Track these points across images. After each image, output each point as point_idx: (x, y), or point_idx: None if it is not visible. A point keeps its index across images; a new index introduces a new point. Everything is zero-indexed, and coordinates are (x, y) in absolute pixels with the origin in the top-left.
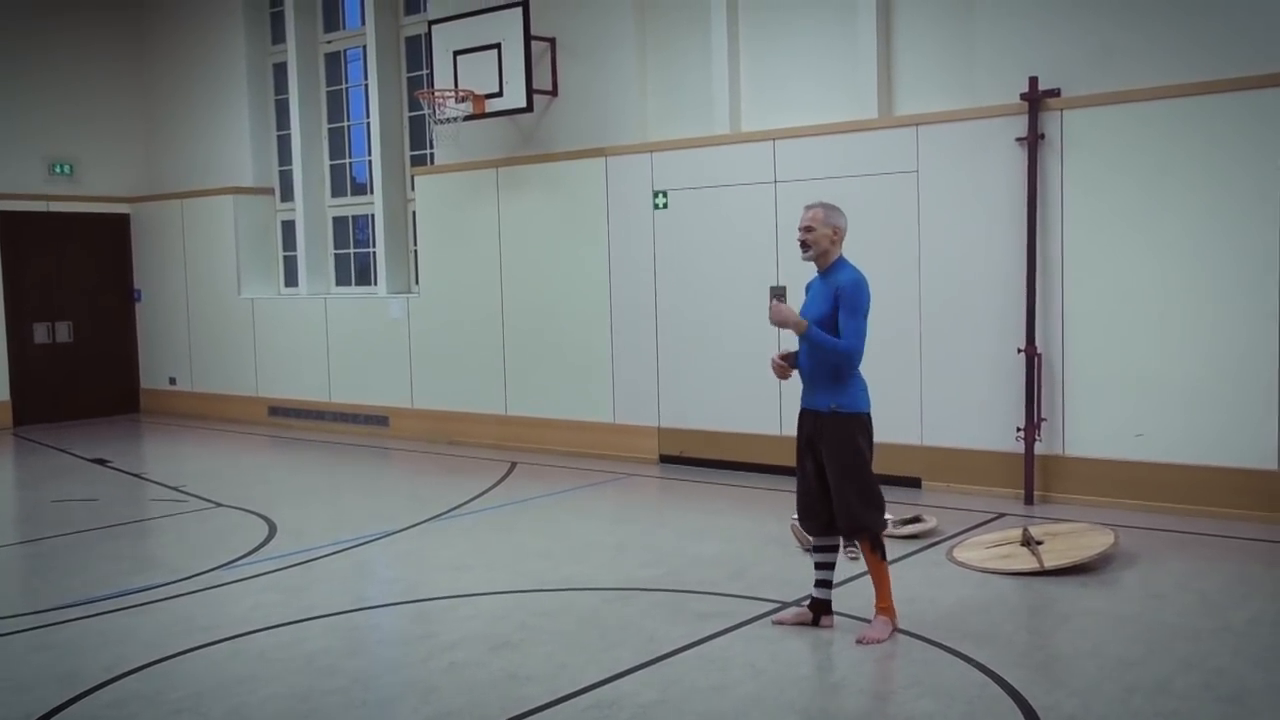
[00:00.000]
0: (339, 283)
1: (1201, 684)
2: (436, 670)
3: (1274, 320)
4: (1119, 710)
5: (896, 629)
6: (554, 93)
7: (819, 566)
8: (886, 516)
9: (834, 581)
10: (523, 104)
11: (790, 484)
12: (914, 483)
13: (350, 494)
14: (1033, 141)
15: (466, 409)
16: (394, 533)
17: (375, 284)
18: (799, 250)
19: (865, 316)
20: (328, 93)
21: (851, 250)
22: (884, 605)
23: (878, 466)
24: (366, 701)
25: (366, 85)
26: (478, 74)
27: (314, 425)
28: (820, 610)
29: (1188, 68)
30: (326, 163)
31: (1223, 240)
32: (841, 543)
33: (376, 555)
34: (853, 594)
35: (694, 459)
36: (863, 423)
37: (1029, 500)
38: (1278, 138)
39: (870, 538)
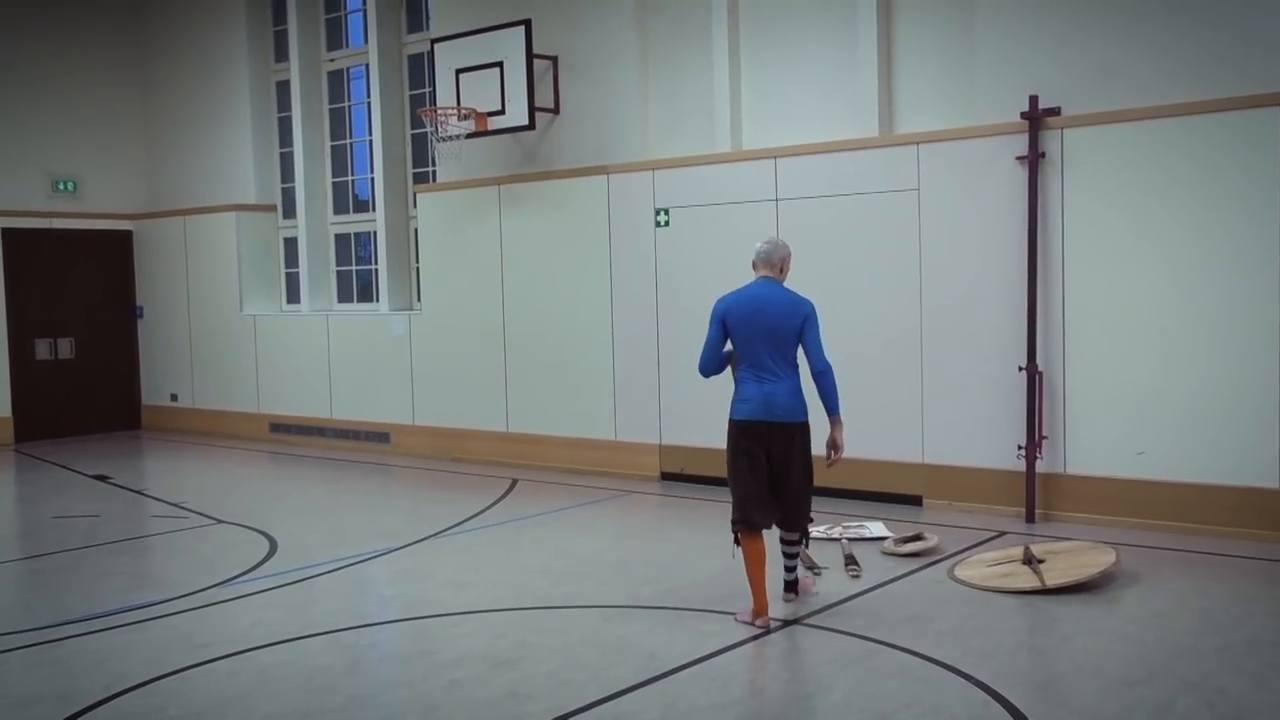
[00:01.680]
0: (341, 299)
1: (1203, 703)
2: (437, 688)
3: (1275, 338)
4: None
5: (753, 623)
6: (556, 110)
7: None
8: (885, 534)
9: (789, 566)
10: (525, 122)
11: None
12: (915, 500)
13: (351, 510)
14: (1033, 160)
15: (468, 426)
16: (395, 549)
17: (377, 301)
18: None
19: (709, 329)
20: (330, 110)
21: (855, 266)
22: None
23: (878, 483)
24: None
25: (369, 103)
26: (480, 92)
27: (315, 442)
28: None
29: (1188, 86)
30: (329, 180)
31: (1223, 258)
32: (844, 562)
33: (377, 572)
34: (853, 612)
35: (695, 476)
36: (730, 429)
37: (1030, 518)
38: (1277, 156)
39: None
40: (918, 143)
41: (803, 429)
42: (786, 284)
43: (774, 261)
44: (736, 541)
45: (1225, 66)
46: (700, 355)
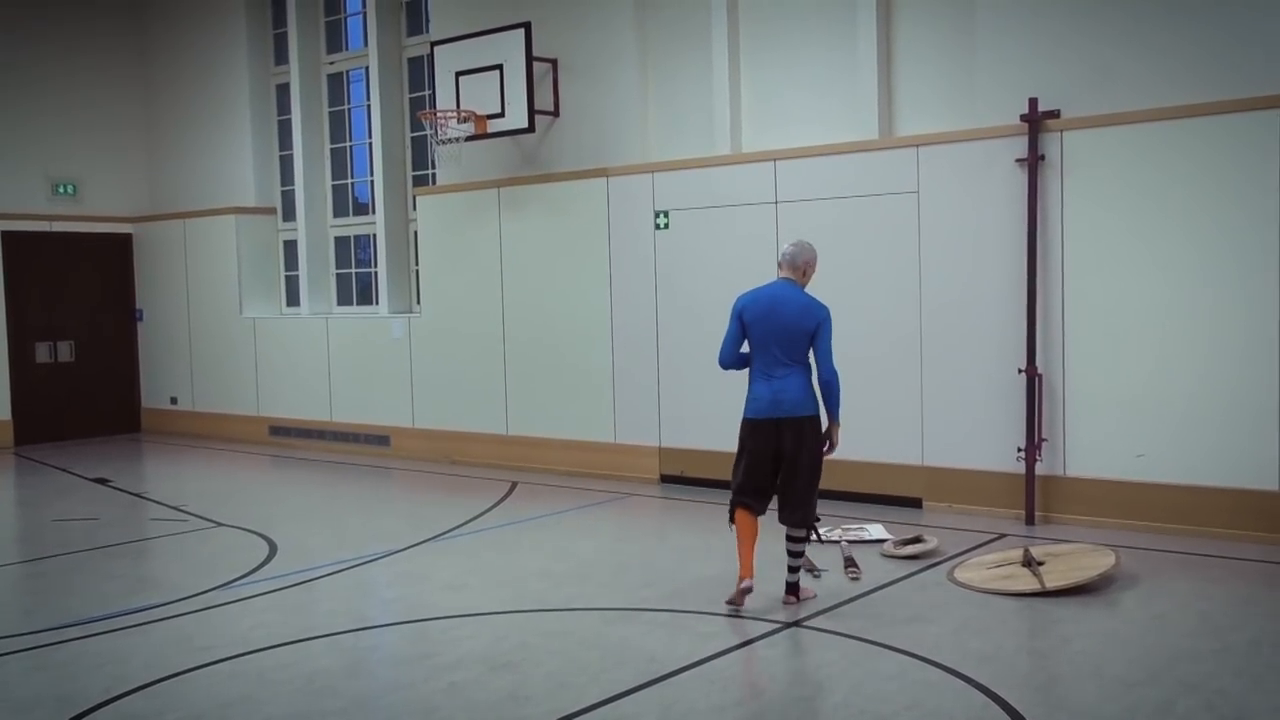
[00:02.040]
0: (340, 302)
1: (1203, 705)
2: (436, 690)
3: (1274, 341)
4: None
5: (737, 586)
6: (556, 113)
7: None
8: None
9: (792, 567)
10: (524, 124)
11: None
12: (915, 503)
13: (351, 513)
14: (1033, 162)
15: (468, 429)
16: (395, 552)
17: (377, 304)
18: None
19: (729, 324)
20: (330, 113)
21: (854, 269)
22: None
23: (878, 485)
24: None
25: (369, 106)
26: (480, 95)
27: (315, 445)
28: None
29: (1187, 89)
30: (329, 183)
31: (1222, 261)
32: (843, 564)
33: (377, 575)
34: (853, 614)
35: (695, 479)
36: (742, 426)
37: (1030, 520)
38: (1276, 159)
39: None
40: (917, 145)
41: (812, 422)
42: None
43: (797, 264)
44: (732, 519)
45: (1225, 69)
46: (720, 349)
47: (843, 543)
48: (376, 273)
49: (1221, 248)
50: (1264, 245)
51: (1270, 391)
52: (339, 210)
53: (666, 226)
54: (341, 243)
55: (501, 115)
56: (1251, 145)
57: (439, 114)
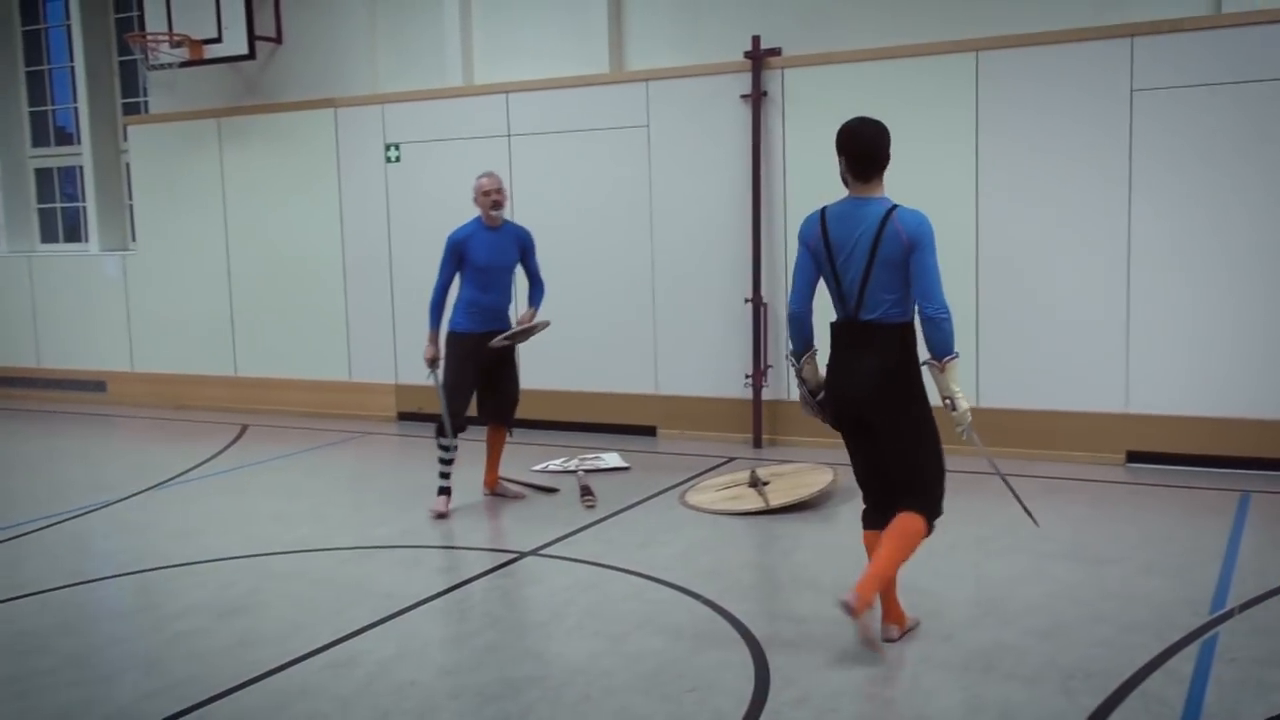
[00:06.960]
0: (45, 240)
1: (907, 605)
2: (160, 642)
3: (971, 269)
4: (835, 635)
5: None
6: (279, 40)
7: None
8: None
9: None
10: (244, 51)
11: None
12: (650, 431)
13: (66, 464)
14: (756, 98)
15: (193, 371)
16: (115, 502)
17: (86, 241)
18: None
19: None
20: (24, 32)
21: (587, 202)
22: None
23: (613, 415)
24: (81, 680)
25: (69, 25)
26: (194, 17)
27: (22, 394)
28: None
29: (895, 31)
30: (25, 110)
31: (926, 191)
32: (579, 493)
33: (96, 526)
34: (588, 541)
35: (432, 415)
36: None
37: (758, 444)
38: (971, 95)
39: None
40: (647, 79)
41: None
42: None
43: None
44: None
45: (927, 14)
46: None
47: (579, 472)
48: (85, 208)
49: (925, 179)
50: (962, 179)
51: (963, 308)
52: (39, 140)
53: (398, 160)
54: (44, 175)
55: (219, 40)
56: (950, 82)
57: (149, 37)
